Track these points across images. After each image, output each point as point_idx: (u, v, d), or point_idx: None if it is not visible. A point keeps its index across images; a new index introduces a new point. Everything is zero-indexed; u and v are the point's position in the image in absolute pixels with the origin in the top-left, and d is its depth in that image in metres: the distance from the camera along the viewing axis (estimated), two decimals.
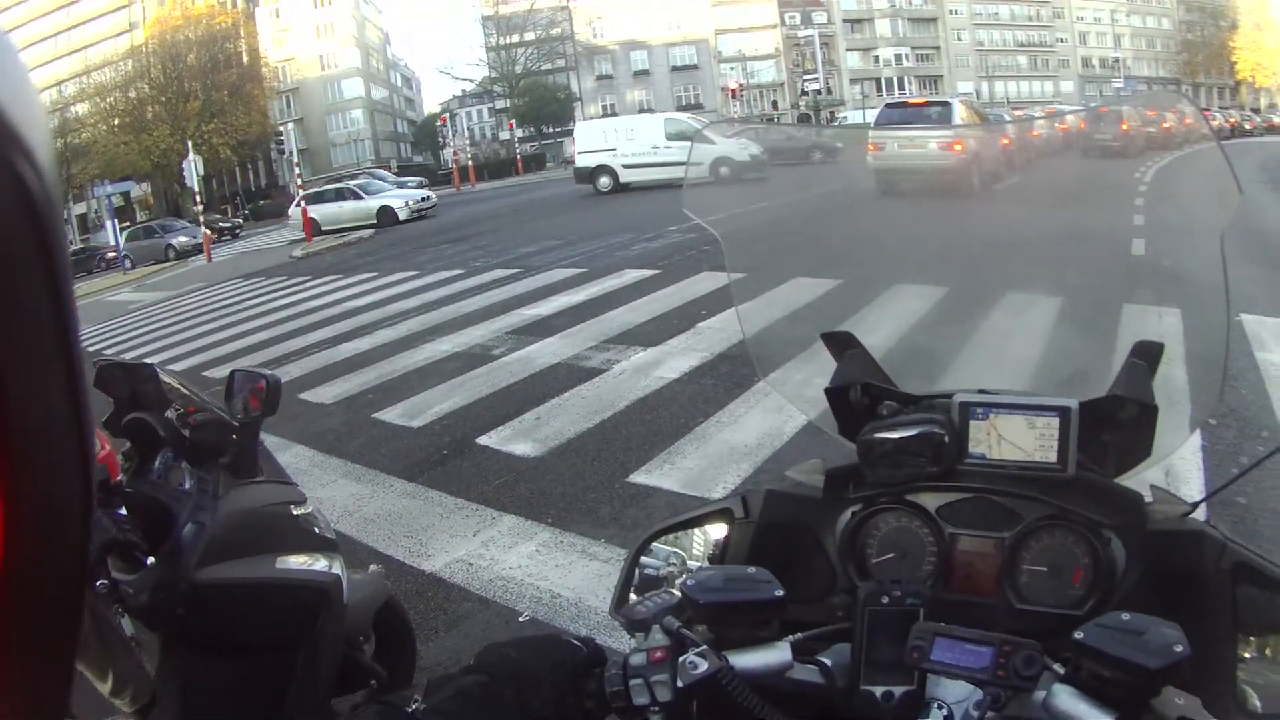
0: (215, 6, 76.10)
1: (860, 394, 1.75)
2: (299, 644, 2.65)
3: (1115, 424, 1.62)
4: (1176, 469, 5.07)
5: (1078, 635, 1.19)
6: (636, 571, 1.74)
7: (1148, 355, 1.66)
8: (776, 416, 6.51)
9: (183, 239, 40.45)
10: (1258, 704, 1.38)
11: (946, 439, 1.59)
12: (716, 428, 6.79)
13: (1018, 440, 1.59)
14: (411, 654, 3.54)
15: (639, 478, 6.09)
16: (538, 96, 79.32)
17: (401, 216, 34.30)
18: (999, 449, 1.60)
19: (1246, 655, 1.43)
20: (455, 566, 5.19)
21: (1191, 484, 5.20)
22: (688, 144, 30.85)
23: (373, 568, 3.82)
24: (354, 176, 43.67)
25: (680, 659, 1.25)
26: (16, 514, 0.39)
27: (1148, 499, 1.60)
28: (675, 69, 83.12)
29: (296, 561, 2.64)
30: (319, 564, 2.71)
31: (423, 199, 36.41)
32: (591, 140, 33.99)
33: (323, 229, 34.01)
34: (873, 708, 1.31)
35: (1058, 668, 1.24)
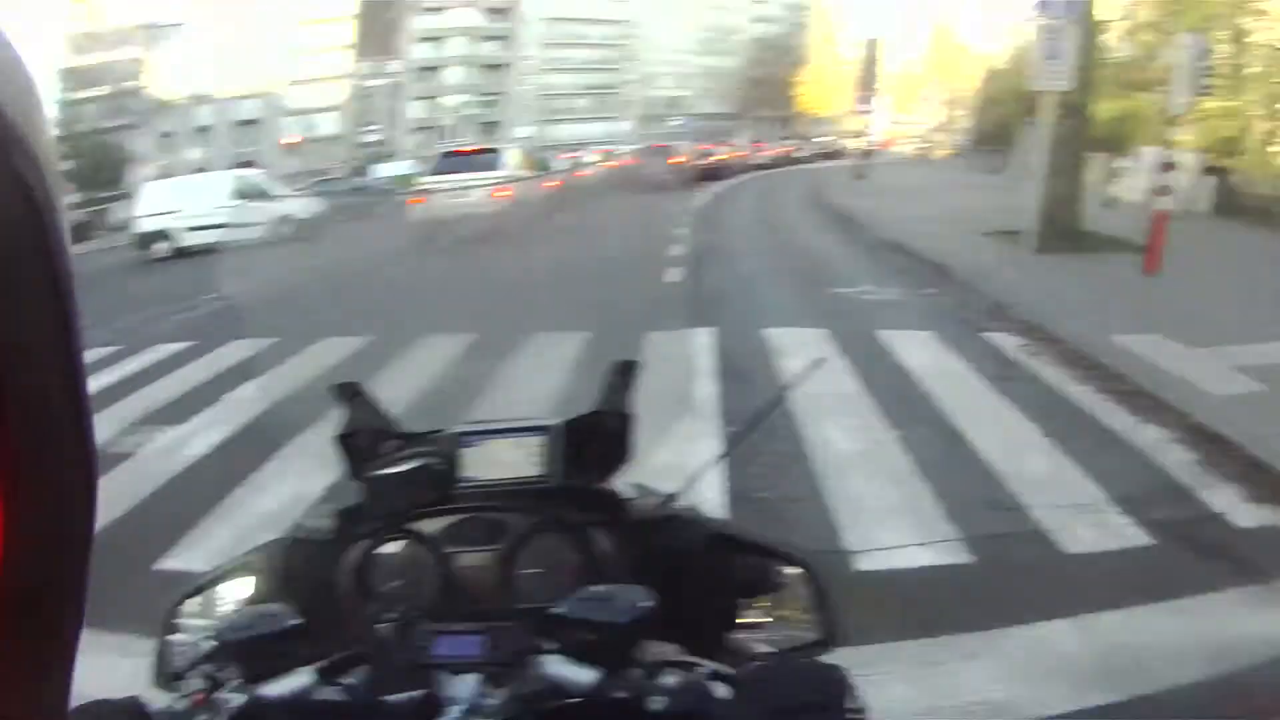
0: None
1: (367, 438, 1.81)
2: None
3: (598, 435, 1.77)
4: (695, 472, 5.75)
5: (556, 610, 1.36)
6: (170, 647, 1.80)
7: (624, 371, 1.82)
8: (309, 479, 6.29)
9: None
10: (761, 647, 1.66)
11: (441, 467, 1.68)
12: (248, 496, 6.67)
13: (507, 460, 1.73)
14: None
15: (168, 563, 5.87)
16: (96, 157, 71.88)
17: None
18: (490, 470, 1.72)
19: (748, 612, 1.72)
20: None
21: (714, 484, 5.70)
22: (253, 203, 30.02)
23: None
24: None
25: (214, 696, 1.32)
26: (17, 514, 0.39)
27: (630, 495, 1.80)
28: (238, 123, 79.35)
29: None
30: None
31: None
32: (156, 202, 31.71)
33: None
34: (393, 715, 1.38)
35: (551, 645, 1.37)
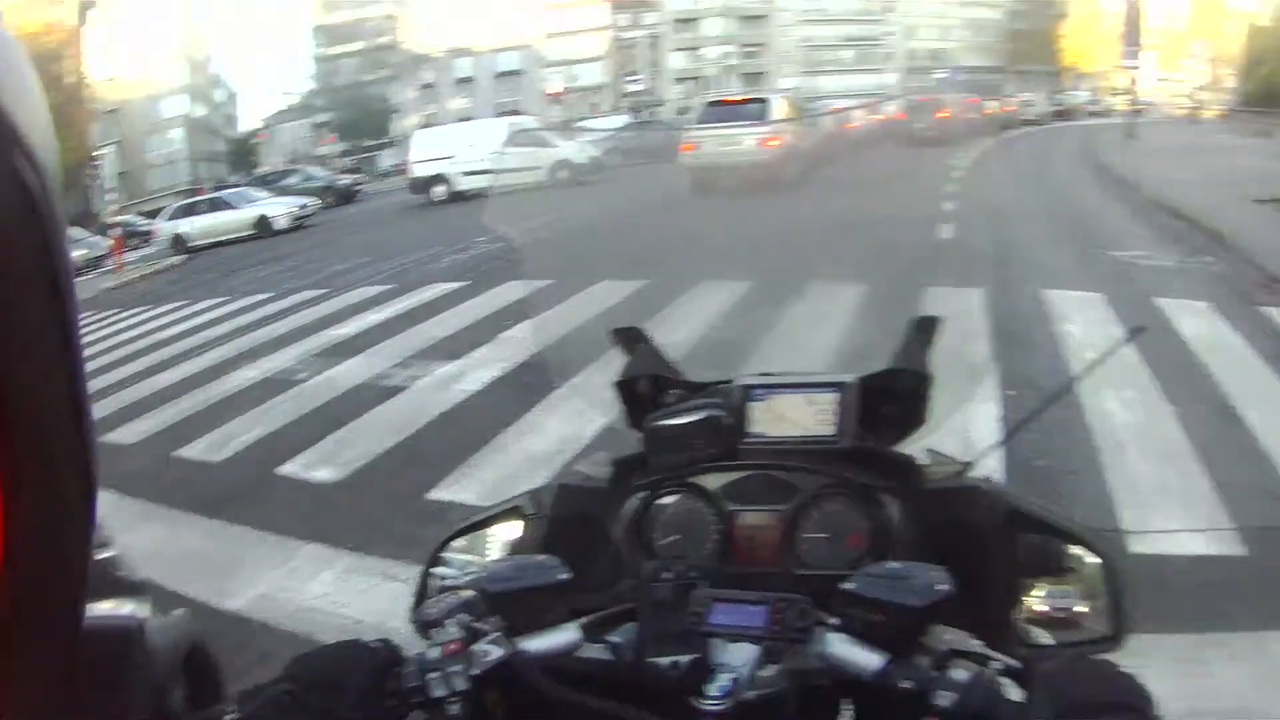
0: (48, 25, 72.71)
1: (648, 385, 1.80)
2: (104, 693, 2.52)
3: (894, 395, 1.70)
4: (974, 439, 5.40)
5: (846, 585, 1.25)
6: (433, 580, 1.74)
7: (924, 329, 1.76)
8: (576, 421, 6.42)
9: (82, 251, 35.34)
10: (1047, 638, 1.51)
11: (727, 420, 1.62)
12: (515, 437, 6.78)
13: (796, 417, 1.66)
14: (222, 697, 3.41)
15: (438, 494, 6.05)
16: (360, 109, 77.60)
17: (280, 226, 31.43)
18: (779, 427, 1.66)
19: (1037, 597, 1.54)
20: (259, 602, 5.03)
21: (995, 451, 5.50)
22: (526, 149, 29.88)
23: (178, 611, 3.65)
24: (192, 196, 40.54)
25: (472, 648, 1.27)
26: (17, 514, 0.39)
27: (925, 462, 1.70)
28: (499, 75, 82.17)
29: (101, 608, 2.52)
30: (124, 609, 2.59)
31: (300, 206, 33.80)
32: (430, 149, 33.11)
33: (189, 245, 31.61)
34: (660, 678, 1.31)
35: (834, 621, 1.28)
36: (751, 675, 1.27)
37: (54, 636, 0.44)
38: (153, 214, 46.77)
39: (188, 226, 32.60)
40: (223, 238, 31.61)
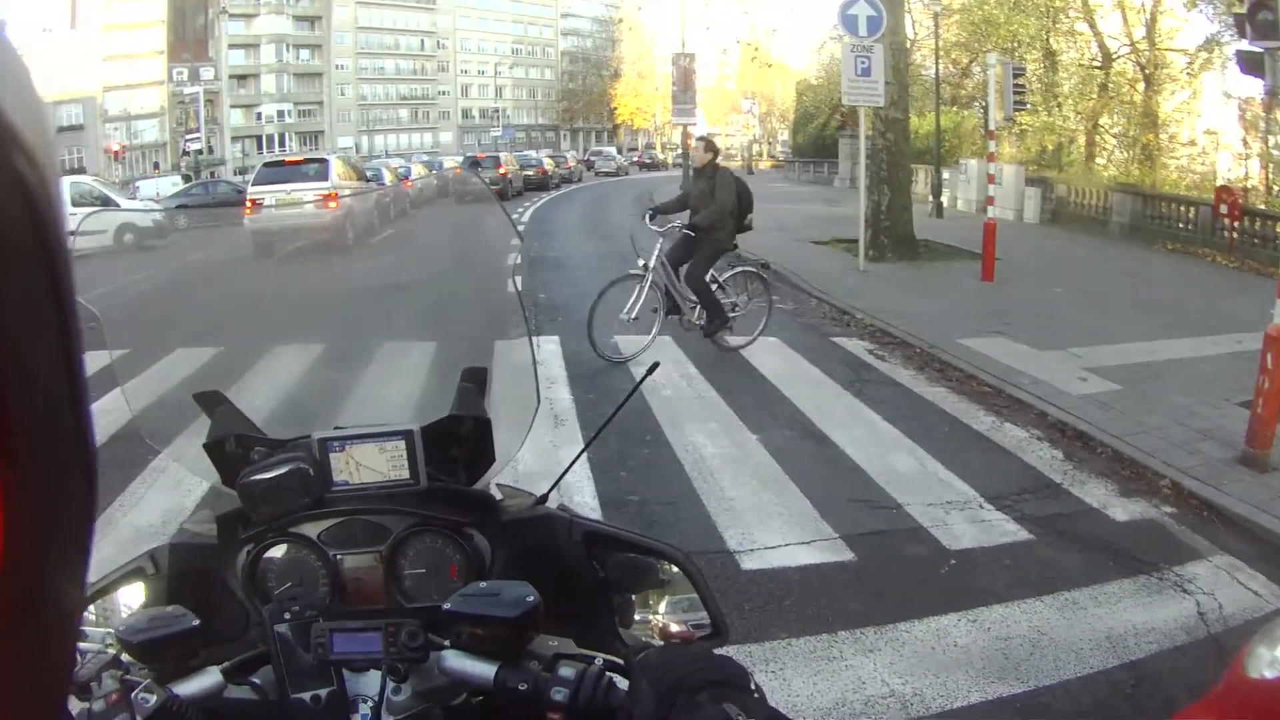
0: None
1: (235, 445, 1.83)
2: None
3: (459, 439, 1.84)
4: (568, 481, 5.76)
5: (445, 606, 1.42)
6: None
7: (474, 378, 1.89)
8: (176, 492, 6.28)
9: None
10: (643, 639, 1.72)
11: (311, 472, 1.71)
12: (120, 512, 6.44)
13: (373, 464, 1.76)
14: None
15: None
16: None
17: None
18: (359, 474, 1.76)
19: (640, 606, 1.80)
20: None
21: (585, 490, 6.02)
22: (90, 209, 29.16)
23: None
24: None
25: (131, 696, 1.34)
26: (17, 514, 0.39)
27: (499, 496, 1.87)
28: (61, 129, 74.46)
29: None
30: None
31: None
32: None
33: None
34: (303, 713, 1.43)
35: (445, 641, 1.46)
36: (385, 699, 1.44)
37: (54, 636, 0.44)
38: None
39: None
40: None
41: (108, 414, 5.56)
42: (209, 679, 1.43)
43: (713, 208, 9.87)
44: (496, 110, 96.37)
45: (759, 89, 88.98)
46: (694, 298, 9.90)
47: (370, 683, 1.46)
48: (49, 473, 0.41)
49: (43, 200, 0.38)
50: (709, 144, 10.47)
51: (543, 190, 43.12)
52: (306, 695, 1.44)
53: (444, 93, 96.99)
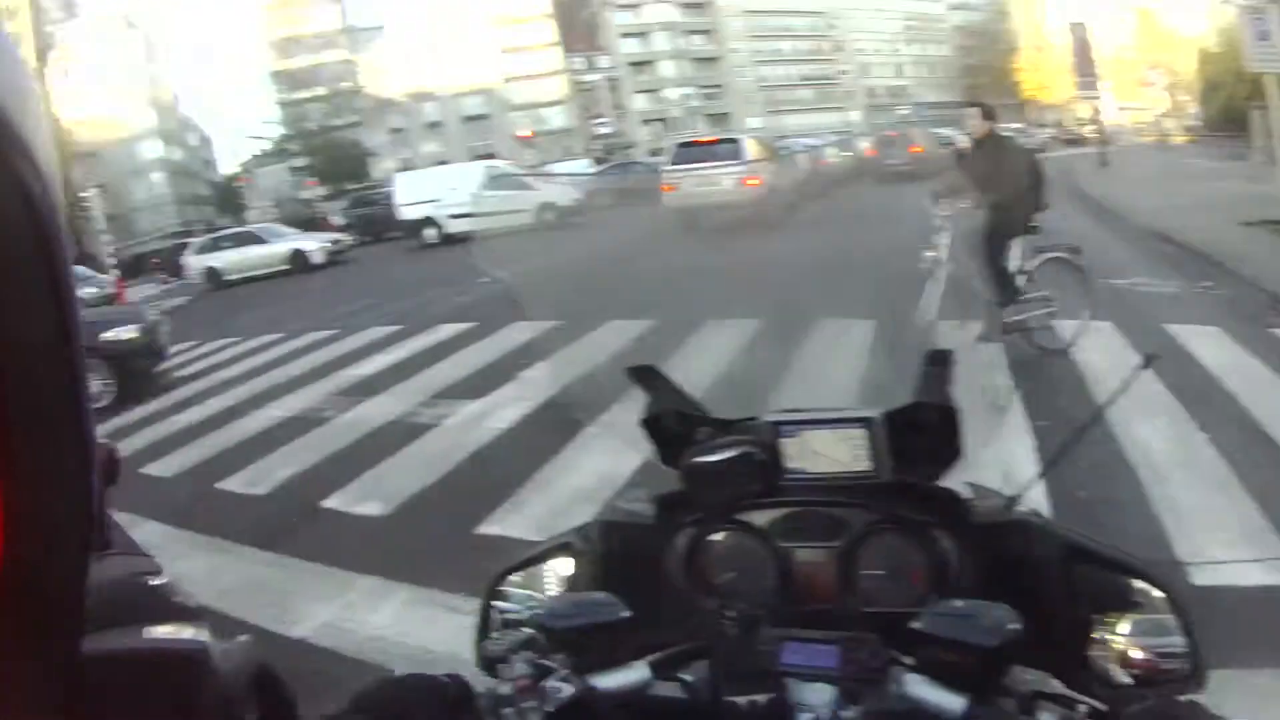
0: None
1: (675, 422, 1.77)
2: (175, 715, 2.59)
3: (922, 429, 1.65)
4: (1014, 471, 5.26)
5: (915, 625, 1.27)
6: (494, 614, 1.77)
7: (940, 362, 1.71)
8: (612, 458, 6.43)
9: (91, 290, 33.94)
10: (1125, 678, 1.46)
11: (763, 457, 1.61)
12: (555, 473, 6.81)
13: (831, 453, 1.64)
14: (293, 718, 3.47)
15: (488, 529, 6.10)
16: (333, 154, 76.89)
17: (316, 261, 31.57)
18: (815, 463, 1.65)
19: (1108, 635, 1.50)
20: (323, 631, 5.12)
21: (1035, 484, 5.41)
22: (509, 192, 30.91)
23: (241, 637, 3.74)
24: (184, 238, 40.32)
25: (544, 684, 1.28)
26: (17, 514, 0.39)
27: (968, 496, 1.69)
28: (467, 119, 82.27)
29: (162, 632, 2.59)
30: (185, 633, 2.66)
31: (333, 241, 33.55)
32: (414, 192, 33.18)
33: (224, 279, 31.56)
34: (739, 717, 1.33)
35: (907, 660, 1.31)
36: (833, 716, 1.29)
37: (57, 637, 0.45)
38: (153, 255, 46.87)
39: (219, 261, 32.55)
40: (256, 272, 31.60)
41: (535, 383, 6.05)
42: (635, 674, 1.35)
43: (1003, 183, 8.71)
44: (900, 89, 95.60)
45: (1161, 60, 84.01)
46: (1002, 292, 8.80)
47: (813, 693, 1.32)
48: (49, 471, 0.41)
49: (42, 201, 0.39)
50: (986, 110, 9.21)
51: None
52: (742, 700, 1.32)
53: (843, 72, 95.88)
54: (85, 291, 34.12)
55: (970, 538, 1.61)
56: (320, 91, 79.27)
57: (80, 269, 37.67)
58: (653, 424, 1.78)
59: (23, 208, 0.38)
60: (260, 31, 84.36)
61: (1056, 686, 1.35)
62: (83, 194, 40.34)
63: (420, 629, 4.93)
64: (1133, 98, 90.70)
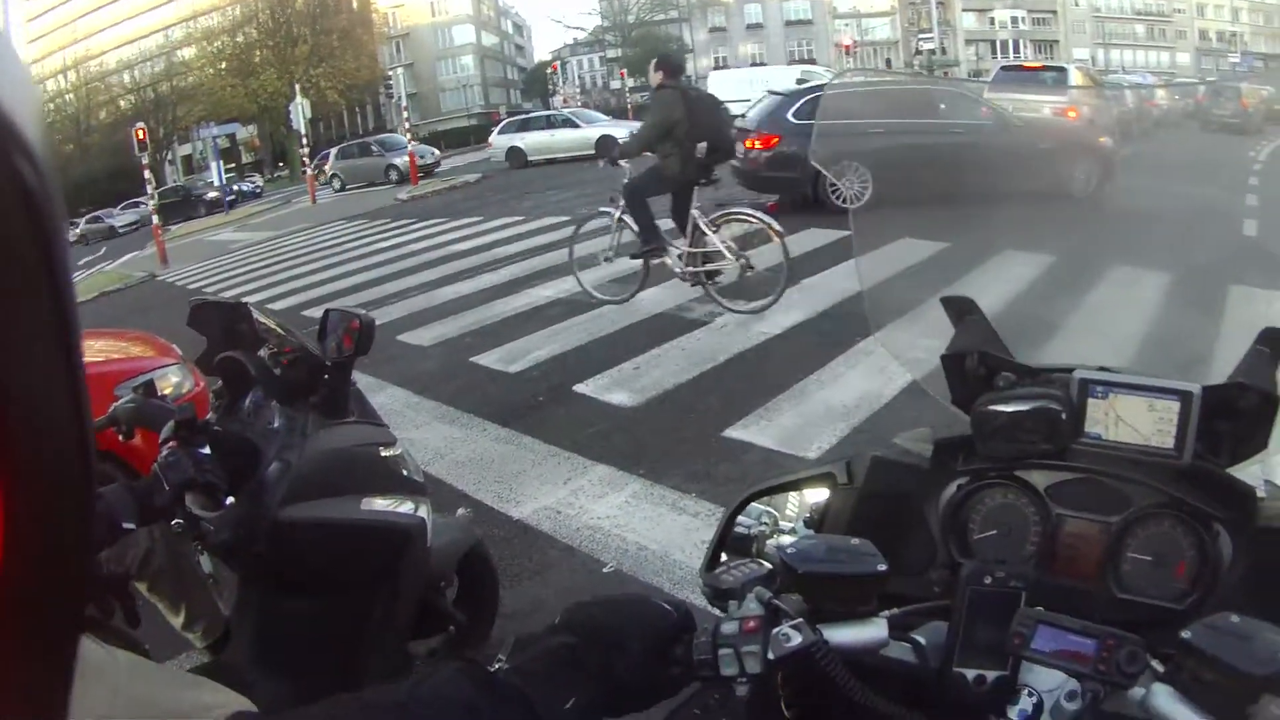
0: None
1: (977, 363, 1.67)
2: (379, 585, 2.66)
3: (1234, 412, 1.53)
4: None
5: (1185, 635, 1.14)
6: (731, 539, 1.70)
7: (1274, 343, 1.56)
8: (877, 378, 6.38)
9: (403, 160, 35.95)
10: None
11: (1064, 415, 1.52)
12: (815, 386, 6.70)
13: (1136, 422, 1.52)
14: (494, 600, 3.55)
15: (734, 433, 6.02)
16: (650, 47, 77.03)
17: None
18: (1116, 430, 1.53)
19: None
20: (543, 514, 5.19)
21: None
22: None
23: (460, 511, 3.84)
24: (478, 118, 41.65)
25: (773, 630, 1.21)
26: (16, 514, 0.39)
27: (1262, 494, 1.53)
28: (789, 23, 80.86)
29: (382, 503, 2.67)
30: (404, 506, 2.74)
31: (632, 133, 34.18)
32: (724, 90, 33.46)
33: (527, 159, 32.78)
34: (963, 690, 1.27)
35: (1157, 665, 1.19)
36: (1058, 705, 1.22)
37: (55, 637, 0.44)
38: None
39: (523, 142, 33.53)
40: (559, 155, 32.36)
41: (822, 288, 5.91)
42: (871, 631, 1.27)
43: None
44: (1233, 34, 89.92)
45: None
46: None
47: (1043, 676, 1.25)
48: (49, 472, 0.41)
49: (42, 199, 0.38)
50: (659, 62, 9.11)
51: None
52: (970, 672, 1.27)
53: (1179, 10, 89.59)
54: (399, 160, 36.39)
55: (1253, 541, 1.47)
56: None
57: (419, 146, 39.15)
58: (954, 361, 1.69)
59: (22, 207, 0.37)
60: None
61: None
62: (388, 72, 42.32)
63: (641, 524, 4.94)
64: None
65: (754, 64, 59.12)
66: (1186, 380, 1.52)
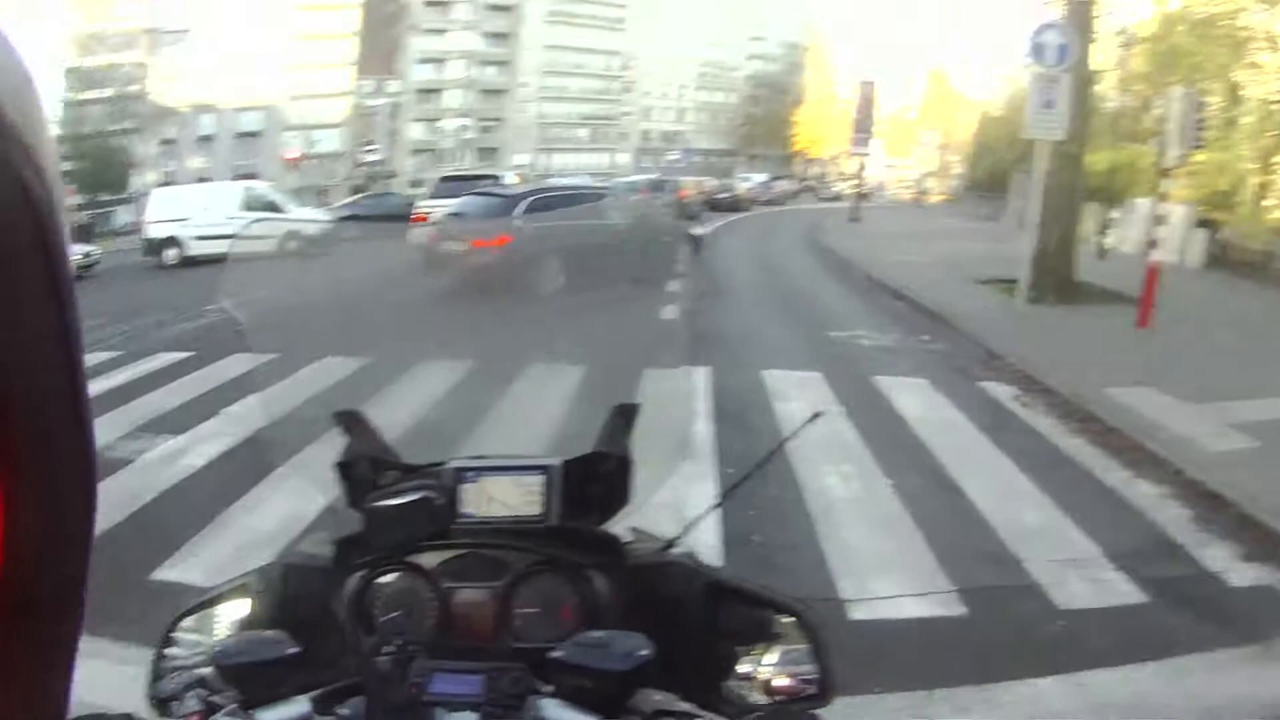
0: None
1: (367, 467, 1.82)
2: None
3: (598, 476, 1.80)
4: (694, 515, 5.66)
5: (554, 654, 1.41)
6: (166, 661, 1.78)
7: (625, 415, 1.86)
8: (300, 499, 6.14)
9: None
10: (759, 698, 1.66)
11: (441, 501, 1.66)
12: (241, 514, 6.69)
13: (505, 498, 1.74)
14: None
15: (163, 574, 5.91)
16: (102, 160, 70.88)
17: None
18: (489, 507, 1.74)
19: (748, 661, 1.70)
20: None
21: (709, 526, 5.55)
22: (261, 216, 29.11)
23: None
24: None
25: (212, 719, 1.36)
26: (17, 515, 0.39)
27: (628, 539, 1.82)
28: (239, 135, 78.52)
29: None
30: None
31: (85, 255, 30.21)
32: (167, 209, 31.58)
33: None
34: None
35: (547, 688, 1.41)
36: None
37: (54, 638, 0.45)
38: None
39: None
40: None
41: (243, 419, 5.87)
42: (296, 708, 1.41)
43: None
44: (677, 134, 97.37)
45: (941, 121, 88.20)
46: None
47: (455, 718, 1.41)
48: (50, 477, 0.41)
49: (44, 202, 0.39)
50: None
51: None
52: None
53: (626, 114, 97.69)
54: None
55: (622, 577, 1.75)
56: (108, 94, 75.18)
57: None
58: (347, 467, 1.84)
59: (24, 209, 0.38)
60: (64, 26, 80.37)
61: (684, 706, 1.49)
62: None
63: (87, 678, 4.50)
64: (903, 155, 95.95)
65: (200, 178, 56.66)
66: (557, 456, 1.80)
